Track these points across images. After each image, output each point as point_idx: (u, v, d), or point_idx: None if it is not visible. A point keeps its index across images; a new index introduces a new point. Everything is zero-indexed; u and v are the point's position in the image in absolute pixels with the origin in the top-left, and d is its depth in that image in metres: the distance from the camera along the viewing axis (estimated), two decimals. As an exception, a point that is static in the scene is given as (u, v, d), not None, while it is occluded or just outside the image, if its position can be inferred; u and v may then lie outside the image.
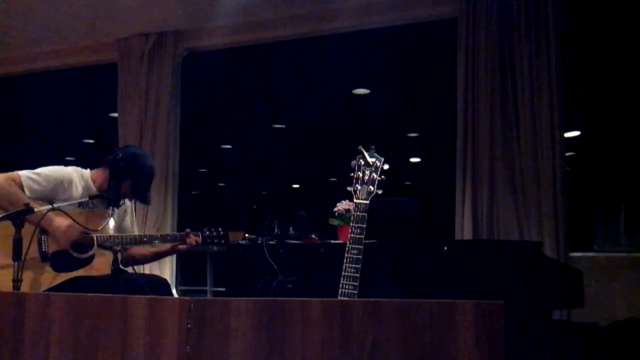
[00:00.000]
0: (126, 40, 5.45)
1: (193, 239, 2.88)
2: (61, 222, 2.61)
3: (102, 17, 5.14)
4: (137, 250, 3.03)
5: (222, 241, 2.92)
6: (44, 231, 2.62)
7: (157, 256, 3.26)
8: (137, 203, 3.17)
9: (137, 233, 3.10)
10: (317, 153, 8.56)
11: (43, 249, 2.62)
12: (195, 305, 1.18)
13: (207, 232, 2.91)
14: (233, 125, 7.79)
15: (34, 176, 2.72)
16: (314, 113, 7.31)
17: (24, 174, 2.71)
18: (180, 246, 2.92)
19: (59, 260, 2.64)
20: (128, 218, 3.04)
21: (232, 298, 1.20)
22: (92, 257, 2.66)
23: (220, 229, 2.92)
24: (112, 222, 2.79)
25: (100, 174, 2.89)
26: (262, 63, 6.07)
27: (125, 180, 2.80)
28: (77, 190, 2.80)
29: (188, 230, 2.93)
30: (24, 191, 2.66)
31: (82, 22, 5.24)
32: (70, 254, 2.66)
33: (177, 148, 5.38)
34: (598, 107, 5.86)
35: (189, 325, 1.17)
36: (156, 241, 3.01)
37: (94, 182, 2.86)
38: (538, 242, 3.50)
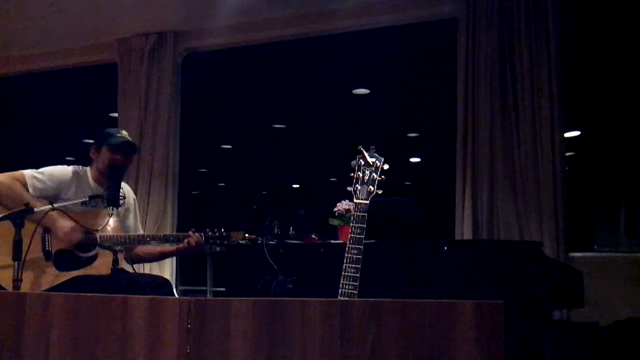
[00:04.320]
0: (126, 40, 5.45)
1: (194, 238, 2.88)
2: (64, 223, 2.61)
3: (102, 17, 5.14)
4: (144, 248, 3.03)
5: (225, 242, 2.92)
6: (47, 229, 2.63)
7: (163, 255, 3.26)
8: (139, 202, 3.17)
9: (141, 231, 3.11)
10: (317, 153, 8.55)
11: (46, 248, 2.63)
12: (195, 305, 1.18)
13: (210, 233, 2.91)
14: (233, 125, 7.79)
15: (38, 175, 2.74)
16: (314, 113, 7.31)
17: (28, 173, 2.74)
18: (181, 246, 2.92)
19: (62, 259, 2.65)
20: (131, 216, 3.05)
21: (232, 298, 1.20)
22: (95, 256, 2.67)
23: (222, 230, 2.92)
24: (113, 221, 2.79)
25: (91, 159, 2.93)
26: (262, 63, 6.07)
27: (102, 147, 2.84)
28: (82, 187, 2.82)
29: (193, 230, 2.92)
30: (28, 190, 2.68)
31: (82, 22, 5.24)
32: (73, 253, 2.67)
33: (177, 148, 5.37)
34: (598, 107, 5.86)
35: (189, 325, 1.17)
36: (159, 242, 3.02)
37: (91, 175, 2.89)
38: (538, 242, 3.50)
